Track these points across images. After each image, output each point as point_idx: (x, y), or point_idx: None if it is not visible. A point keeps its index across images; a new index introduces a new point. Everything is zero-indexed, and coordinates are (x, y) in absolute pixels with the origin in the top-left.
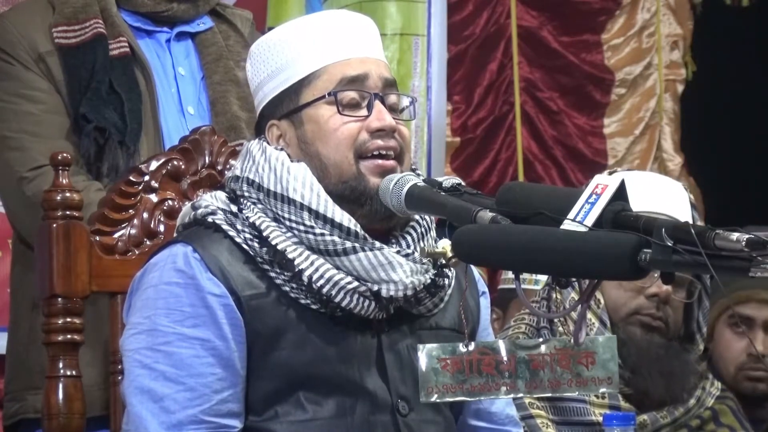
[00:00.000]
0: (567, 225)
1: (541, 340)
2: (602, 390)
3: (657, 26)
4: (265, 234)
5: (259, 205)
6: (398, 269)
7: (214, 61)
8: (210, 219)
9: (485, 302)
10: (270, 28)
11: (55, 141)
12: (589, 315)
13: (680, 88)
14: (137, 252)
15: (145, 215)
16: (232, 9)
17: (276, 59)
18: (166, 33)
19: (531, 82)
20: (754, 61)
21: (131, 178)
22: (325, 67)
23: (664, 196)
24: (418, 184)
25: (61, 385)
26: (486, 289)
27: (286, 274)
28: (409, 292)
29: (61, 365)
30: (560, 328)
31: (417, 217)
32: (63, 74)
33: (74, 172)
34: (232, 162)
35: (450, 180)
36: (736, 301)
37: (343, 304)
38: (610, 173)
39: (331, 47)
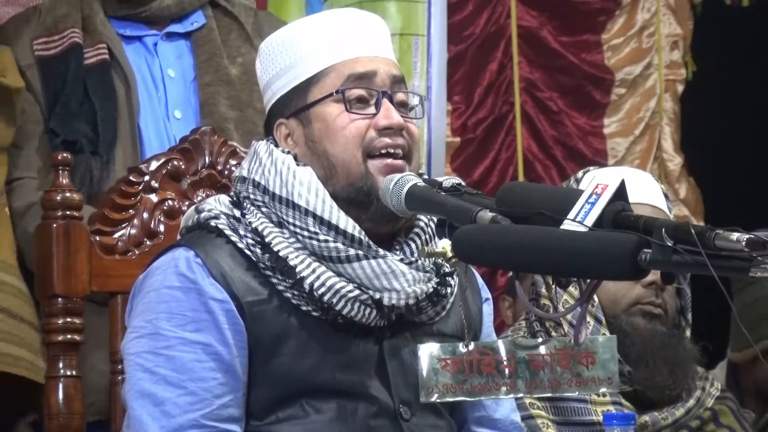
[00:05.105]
0: (567, 225)
1: (540, 340)
2: (602, 390)
3: (657, 26)
4: (267, 240)
5: (264, 209)
6: (400, 278)
7: (206, 61)
8: (213, 223)
9: (488, 309)
10: None
11: (31, 153)
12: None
13: (680, 88)
14: (137, 252)
15: (145, 215)
16: None
17: (284, 58)
18: (154, 36)
19: (531, 82)
20: (754, 61)
21: (131, 178)
22: (333, 66)
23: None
24: (418, 184)
25: (61, 385)
26: (489, 296)
27: (287, 281)
28: (411, 301)
29: (61, 365)
30: (553, 333)
31: (422, 222)
32: (41, 85)
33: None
34: (232, 162)
35: (450, 180)
36: None
37: (344, 312)
38: (585, 173)
39: (340, 46)
